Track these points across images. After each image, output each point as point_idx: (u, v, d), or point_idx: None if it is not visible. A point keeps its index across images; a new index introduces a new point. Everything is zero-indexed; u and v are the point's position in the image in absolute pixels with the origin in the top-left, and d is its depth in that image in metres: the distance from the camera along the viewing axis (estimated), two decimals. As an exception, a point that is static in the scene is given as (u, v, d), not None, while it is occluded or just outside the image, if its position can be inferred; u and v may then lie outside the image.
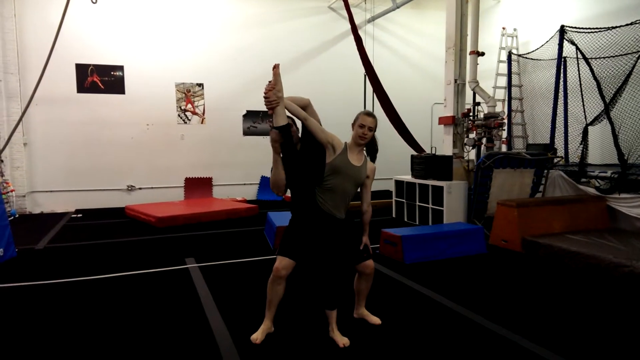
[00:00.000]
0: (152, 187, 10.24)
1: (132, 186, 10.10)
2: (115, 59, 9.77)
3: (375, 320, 3.59)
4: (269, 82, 3.14)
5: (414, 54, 12.50)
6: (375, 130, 3.27)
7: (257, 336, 3.30)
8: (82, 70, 9.56)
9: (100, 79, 9.68)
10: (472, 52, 8.05)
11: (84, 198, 9.73)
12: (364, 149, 3.34)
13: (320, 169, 3.21)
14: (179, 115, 10.41)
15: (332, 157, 3.19)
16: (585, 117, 7.67)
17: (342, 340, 3.24)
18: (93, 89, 9.65)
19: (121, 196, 10.01)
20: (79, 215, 8.91)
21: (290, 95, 3.31)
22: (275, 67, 3.15)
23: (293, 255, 3.25)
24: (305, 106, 3.37)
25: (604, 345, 3.27)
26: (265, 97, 3.11)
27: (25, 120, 8.92)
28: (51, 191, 9.52)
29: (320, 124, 3.43)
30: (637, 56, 6.79)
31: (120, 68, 9.81)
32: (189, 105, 10.46)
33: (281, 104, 3.16)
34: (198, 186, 10.47)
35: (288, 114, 3.19)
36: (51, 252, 6.05)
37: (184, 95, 10.39)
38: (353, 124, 3.28)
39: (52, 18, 8.78)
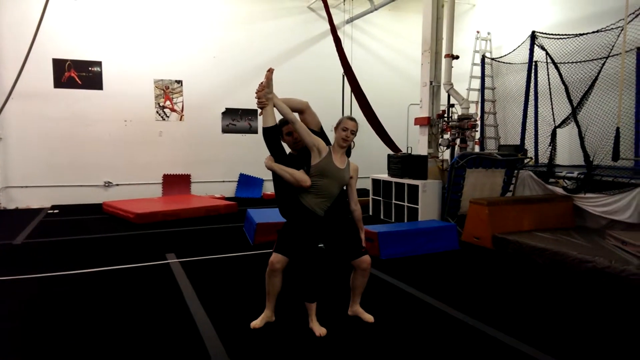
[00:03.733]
0: (129, 184, 10.21)
1: (109, 182, 10.06)
2: (93, 55, 9.70)
3: (369, 318, 3.67)
4: (260, 83, 3.31)
5: (391, 56, 12.70)
6: (356, 134, 3.43)
7: (256, 323, 3.48)
8: (60, 65, 9.47)
9: (78, 75, 9.61)
10: (447, 56, 8.27)
11: (59, 194, 9.64)
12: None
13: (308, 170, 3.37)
14: (157, 112, 10.39)
15: (317, 159, 3.33)
16: (554, 120, 7.97)
17: (320, 330, 3.40)
18: (70, 84, 9.57)
19: (98, 192, 9.95)
20: (55, 211, 8.84)
21: (288, 97, 3.46)
22: (269, 71, 3.33)
23: (285, 252, 3.39)
24: (303, 109, 3.53)
25: (567, 332, 3.51)
26: (256, 97, 3.29)
27: (1, 114, 8.79)
28: (26, 187, 9.41)
29: (321, 126, 3.60)
30: (602, 62, 7.12)
31: (98, 64, 9.75)
32: (168, 102, 10.46)
33: (270, 105, 3.33)
34: (176, 183, 10.49)
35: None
36: (30, 247, 6.04)
37: (162, 91, 10.38)
38: (336, 128, 3.41)
39: (29, 12, 8.71)
